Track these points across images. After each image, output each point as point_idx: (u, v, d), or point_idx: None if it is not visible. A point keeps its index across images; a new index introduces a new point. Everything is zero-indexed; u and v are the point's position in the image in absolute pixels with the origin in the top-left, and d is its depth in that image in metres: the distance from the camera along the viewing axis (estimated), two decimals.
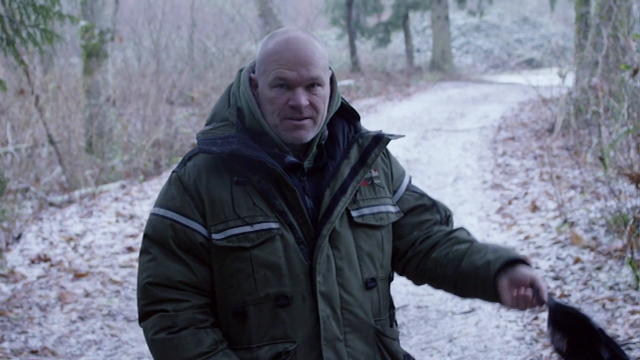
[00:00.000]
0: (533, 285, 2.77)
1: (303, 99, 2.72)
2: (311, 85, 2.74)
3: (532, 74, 23.60)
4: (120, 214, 11.38)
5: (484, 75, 35.92)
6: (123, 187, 13.48)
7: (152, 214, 2.79)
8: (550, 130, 16.20)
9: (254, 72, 2.84)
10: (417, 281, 3.05)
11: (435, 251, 2.95)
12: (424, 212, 3.01)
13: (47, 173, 13.76)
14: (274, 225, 2.73)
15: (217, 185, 2.75)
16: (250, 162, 2.73)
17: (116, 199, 12.40)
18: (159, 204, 2.80)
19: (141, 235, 10.18)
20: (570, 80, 15.87)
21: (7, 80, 14.86)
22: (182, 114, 19.55)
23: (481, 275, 2.81)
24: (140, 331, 7.03)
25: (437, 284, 2.99)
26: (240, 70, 2.89)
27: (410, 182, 3.05)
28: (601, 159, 10.54)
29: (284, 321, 2.74)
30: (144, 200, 12.45)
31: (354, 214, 2.82)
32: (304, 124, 2.74)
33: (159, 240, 2.75)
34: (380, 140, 2.89)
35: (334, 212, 2.77)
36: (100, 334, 7.27)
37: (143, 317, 2.76)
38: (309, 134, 2.77)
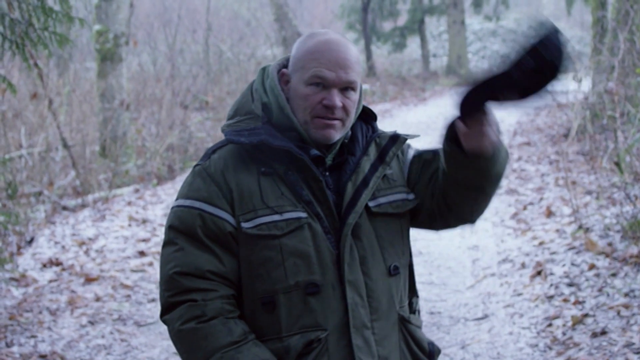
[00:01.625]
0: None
1: (337, 100, 2.77)
2: (345, 88, 2.79)
3: None
4: (133, 218, 11.35)
5: None
6: (136, 191, 13.45)
7: (177, 206, 2.79)
8: (566, 135, 16.10)
9: (284, 67, 2.88)
10: (456, 218, 2.99)
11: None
12: (429, 165, 2.97)
13: (61, 177, 13.74)
14: (302, 214, 2.76)
15: (245, 176, 2.78)
16: (277, 152, 2.75)
17: (129, 203, 12.37)
18: (184, 195, 2.80)
19: (154, 239, 10.21)
20: (586, 84, 15.78)
21: (21, 83, 14.90)
22: (197, 118, 19.52)
23: (445, 149, 2.79)
24: (151, 336, 7.03)
25: (458, 199, 2.90)
26: (263, 68, 2.93)
27: (415, 152, 3.05)
28: (617, 164, 10.45)
29: (314, 309, 2.75)
30: (157, 204, 12.42)
31: (370, 204, 2.86)
32: (334, 124, 2.79)
33: (186, 230, 2.76)
34: (397, 139, 2.94)
35: (358, 202, 2.81)
36: (110, 338, 7.22)
37: (168, 309, 2.75)
38: (337, 135, 2.82)
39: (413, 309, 3.03)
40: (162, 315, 2.78)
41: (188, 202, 2.77)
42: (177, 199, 2.82)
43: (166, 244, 2.79)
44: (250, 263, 2.76)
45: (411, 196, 2.96)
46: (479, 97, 2.60)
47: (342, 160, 2.88)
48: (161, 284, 2.78)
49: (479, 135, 2.66)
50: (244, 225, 2.74)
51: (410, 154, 3.02)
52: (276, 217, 2.74)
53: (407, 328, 2.93)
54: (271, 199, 2.75)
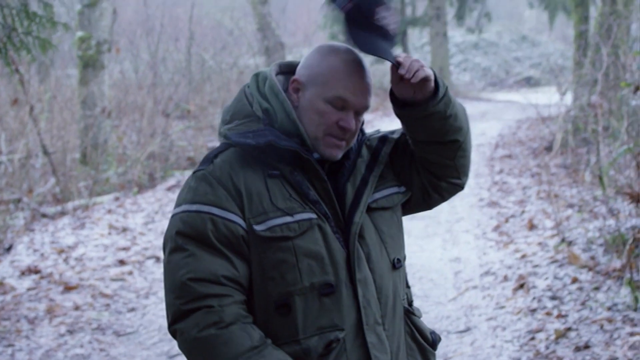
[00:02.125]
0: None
1: (353, 123, 2.80)
2: (359, 112, 2.83)
3: (530, 92, 23.56)
4: (113, 227, 11.26)
5: (482, 93, 35.86)
6: (117, 199, 13.36)
7: (183, 212, 2.72)
8: (548, 149, 16.13)
9: (286, 73, 2.90)
10: (446, 182, 3.05)
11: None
12: (404, 146, 3.02)
13: (41, 184, 13.64)
14: (312, 215, 2.76)
15: (252, 179, 2.75)
16: (283, 153, 2.74)
17: (109, 211, 12.28)
18: (189, 200, 2.73)
19: (134, 248, 10.14)
20: (568, 98, 15.81)
21: (2, 89, 14.80)
22: (178, 126, 19.43)
23: (398, 116, 2.91)
24: (130, 346, 6.95)
25: (436, 158, 2.97)
26: (257, 74, 2.91)
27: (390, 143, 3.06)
28: (599, 177, 10.46)
29: (330, 310, 2.75)
30: (138, 213, 12.34)
31: (368, 201, 2.91)
32: (342, 144, 2.82)
33: (196, 235, 2.69)
34: (386, 140, 2.99)
35: (361, 201, 2.85)
36: (89, 348, 7.14)
37: (180, 317, 2.66)
38: (341, 154, 2.85)
39: (409, 300, 3.07)
40: (172, 324, 2.70)
41: (195, 207, 2.70)
42: (179, 205, 2.76)
43: (174, 250, 2.71)
44: (263, 266, 2.73)
45: (402, 189, 3.02)
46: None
47: (338, 164, 2.89)
48: (171, 291, 2.69)
49: (404, 80, 2.74)
50: (257, 228, 2.70)
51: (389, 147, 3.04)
52: (288, 219, 2.72)
53: (411, 320, 2.99)
54: (280, 201, 2.74)
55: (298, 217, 2.73)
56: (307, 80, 2.82)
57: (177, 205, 2.76)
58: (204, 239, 2.68)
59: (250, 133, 2.74)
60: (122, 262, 9.65)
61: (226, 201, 2.71)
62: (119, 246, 10.37)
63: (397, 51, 2.85)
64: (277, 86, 2.83)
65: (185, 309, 2.65)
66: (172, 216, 2.76)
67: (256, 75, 2.90)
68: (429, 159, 2.96)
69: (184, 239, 2.69)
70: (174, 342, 7.06)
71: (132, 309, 8.20)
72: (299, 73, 2.85)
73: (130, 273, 9.29)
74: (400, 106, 2.84)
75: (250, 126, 2.78)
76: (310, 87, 2.80)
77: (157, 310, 8.17)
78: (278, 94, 2.82)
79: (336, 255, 2.77)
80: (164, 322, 7.77)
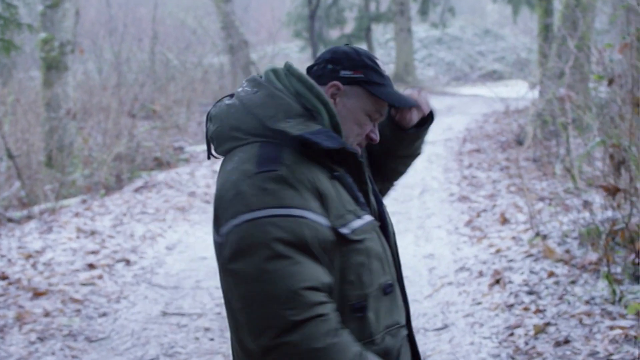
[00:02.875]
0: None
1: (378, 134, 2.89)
2: None
3: (495, 86, 23.59)
4: (81, 230, 11.09)
5: (447, 87, 35.89)
6: (84, 202, 13.19)
7: (272, 216, 2.47)
8: (517, 142, 16.12)
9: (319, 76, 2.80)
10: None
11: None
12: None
13: (6, 188, 13.45)
14: (370, 216, 2.74)
15: (323, 180, 2.61)
16: (343, 156, 2.66)
17: (77, 214, 12.10)
18: (275, 204, 2.49)
19: (103, 251, 9.99)
20: (534, 91, 15.81)
21: None
22: (144, 127, 19.27)
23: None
24: (103, 352, 6.83)
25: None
26: (275, 70, 2.77)
27: None
28: (570, 170, 10.44)
29: (392, 308, 2.76)
30: (106, 215, 12.17)
31: None
32: (359, 151, 2.87)
33: (296, 241, 2.48)
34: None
35: (382, 201, 2.95)
36: (61, 355, 6.99)
37: (291, 329, 2.43)
38: None
39: None
40: (277, 337, 2.43)
41: (284, 211, 2.48)
42: (263, 209, 2.48)
43: (274, 257, 2.44)
44: (343, 270, 2.60)
45: (379, 186, 3.16)
46: None
47: None
48: (276, 302, 2.44)
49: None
50: (343, 231, 2.59)
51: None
52: (360, 222, 2.65)
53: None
54: (347, 203, 2.65)
55: (366, 219, 2.67)
56: (349, 90, 2.77)
57: (252, 209, 2.49)
58: (303, 245, 2.49)
59: (321, 134, 2.59)
60: (91, 266, 9.50)
61: (314, 204, 2.54)
62: (88, 250, 10.20)
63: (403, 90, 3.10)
64: (316, 87, 2.71)
65: (297, 319, 2.43)
66: (252, 220, 2.48)
67: (275, 72, 2.74)
68: (395, 168, 3.20)
69: (285, 245, 2.46)
70: (148, 347, 6.98)
71: (104, 314, 8.06)
72: (344, 81, 2.78)
73: (100, 277, 9.15)
74: (399, 129, 3.09)
75: (309, 125, 2.62)
76: (353, 97, 2.77)
77: (129, 315, 8.04)
78: (322, 95, 2.70)
79: (388, 255, 2.78)
80: (136, 327, 7.65)
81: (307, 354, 2.43)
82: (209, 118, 2.75)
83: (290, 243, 2.47)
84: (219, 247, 2.59)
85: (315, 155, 2.60)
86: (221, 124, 2.69)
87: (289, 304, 2.43)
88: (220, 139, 2.71)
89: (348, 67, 2.78)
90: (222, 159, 2.76)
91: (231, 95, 2.77)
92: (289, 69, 2.75)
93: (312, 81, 2.72)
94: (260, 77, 2.76)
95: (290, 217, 2.48)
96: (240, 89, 2.75)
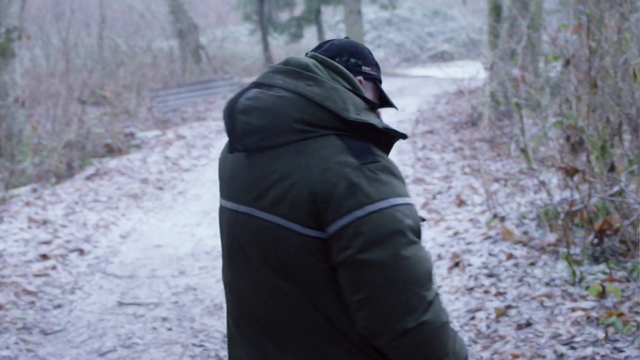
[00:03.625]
0: None
1: None
2: None
3: (445, 67, 23.62)
4: (32, 220, 10.91)
5: (397, 69, 35.93)
6: (34, 190, 12.98)
7: (399, 205, 2.46)
8: (471, 123, 16.15)
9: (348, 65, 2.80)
10: None
11: None
12: None
13: None
14: None
15: None
16: (391, 146, 2.71)
17: (28, 204, 11.91)
18: (395, 193, 2.48)
19: (56, 241, 9.83)
20: (487, 72, 15.82)
21: None
22: (94, 113, 19.04)
23: None
24: (59, 345, 6.70)
25: None
26: (312, 63, 2.66)
27: None
28: (524, 151, 10.45)
29: None
30: (57, 204, 11.99)
31: None
32: None
33: (417, 228, 2.52)
34: None
35: None
36: (16, 349, 6.85)
37: (427, 309, 2.46)
38: None
39: None
40: (420, 317, 2.44)
41: (404, 200, 2.49)
42: (385, 199, 2.45)
43: (410, 244, 2.45)
44: None
45: None
46: None
47: None
48: (417, 285, 2.45)
49: None
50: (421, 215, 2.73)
51: None
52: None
53: None
54: None
55: None
56: (366, 84, 2.81)
57: (375, 200, 2.44)
58: (419, 231, 2.53)
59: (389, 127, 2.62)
60: (44, 257, 9.33)
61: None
62: (40, 240, 10.04)
63: None
64: (357, 82, 2.72)
65: (430, 299, 2.48)
66: (379, 211, 2.44)
67: (314, 65, 2.65)
68: None
69: (413, 232, 2.48)
70: (105, 339, 6.87)
71: (59, 306, 7.92)
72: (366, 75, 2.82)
73: (54, 268, 8.99)
74: None
75: (374, 117, 2.62)
76: (368, 92, 2.81)
77: (84, 306, 7.90)
78: (360, 90, 2.69)
79: None
80: (92, 318, 7.53)
81: (441, 327, 2.48)
82: (243, 111, 2.58)
83: (414, 229, 2.49)
84: (346, 231, 2.46)
85: (384, 146, 2.64)
86: (276, 116, 2.54)
87: (425, 285, 2.47)
88: (274, 131, 2.54)
89: (367, 63, 2.79)
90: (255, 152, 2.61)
91: (256, 85, 2.63)
92: (324, 62, 2.68)
93: (351, 75, 2.69)
94: (287, 66, 2.65)
95: (409, 205, 2.50)
96: (276, 80, 2.61)
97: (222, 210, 2.72)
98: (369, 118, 2.57)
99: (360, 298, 2.46)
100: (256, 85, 2.63)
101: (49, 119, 16.23)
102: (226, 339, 6.76)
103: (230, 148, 2.65)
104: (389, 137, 2.63)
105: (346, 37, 2.86)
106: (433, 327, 2.46)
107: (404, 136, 2.65)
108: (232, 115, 2.59)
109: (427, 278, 2.48)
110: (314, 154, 2.49)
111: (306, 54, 2.77)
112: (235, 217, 2.62)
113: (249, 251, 2.58)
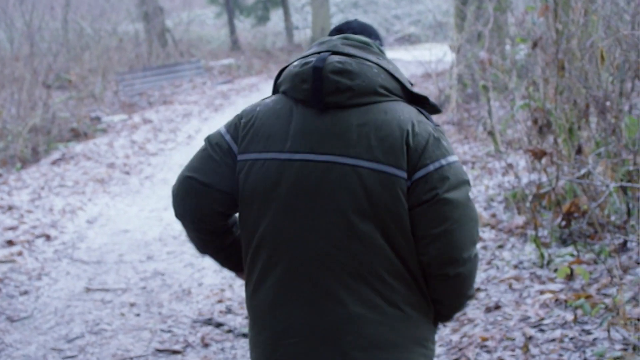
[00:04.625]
0: None
1: None
2: None
3: (411, 49, 23.61)
4: None
5: None
6: (0, 176, 12.88)
7: (458, 160, 2.92)
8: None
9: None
10: None
11: None
12: None
13: None
14: None
15: None
16: None
17: None
18: (452, 151, 2.93)
19: (22, 227, 9.77)
20: (454, 54, 15.82)
21: None
22: (59, 97, 18.88)
23: None
24: (25, 332, 6.66)
25: None
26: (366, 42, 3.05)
27: None
28: (491, 133, 10.47)
29: None
30: (23, 189, 11.89)
31: None
32: None
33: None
34: None
35: None
36: None
37: (476, 244, 2.97)
38: None
39: None
40: (475, 250, 2.93)
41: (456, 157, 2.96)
42: (454, 155, 2.90)
43: (469, 191, 2.92)
44: None
45: None
46: None
47: None
48: (477, 223, 2.93)
49: None
50: None
51: None
52: None
53: None
54: None
55: None
56: None
57: (451, 154, 2.88)
58: None
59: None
60: (10, 243, 9.26)
61: None
62: (6, 226, 9.95)
63: None
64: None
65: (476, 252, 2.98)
66: (454, 163, 2.86)
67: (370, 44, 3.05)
68: None
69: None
70: (72, 325, 6.83)
71: (25, 292, 7.85)
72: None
73: (20, 254, 8.92)
74: None
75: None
76: None
77: (51, 292, 7.85)
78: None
79: None
80: (59, 304, 7.48)
81: (477, 258, 2.98)
82: (337, 71, 2.86)
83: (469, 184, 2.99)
84: (431, 176, 2.82)
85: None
86: (366, 79, 2.87)
87: (478, 224, 2.97)
88: (362, 92, 2.86)
89: (382, 43, 3.16)
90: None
91: (333, 53, 2.93)
92: (371, 43, 3.03)
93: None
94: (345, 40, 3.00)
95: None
96: (350, 50, 2.94)
97: (287, 162, 2.87)
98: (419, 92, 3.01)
99: (440, 231, 2.81)
100: (332, 52, 2.93)
101: (13, 104, 16.06)
102: (205, 329, 6.73)
103: (316, 103, 2.88)
104: (430, 109, 3.00)
105: (355, 19, 3.21)
106: (478, 260, 2.97)
107: (439, 111, 3.05)
108: (321, 75, 2.86)
109: (478, 219, 3.00)
110: (400, 112, 2.86)
111: (332, 32, 3.17)
112: (323, 167, 2.83)
113: (340, 196, 2.81)
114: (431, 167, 2.80)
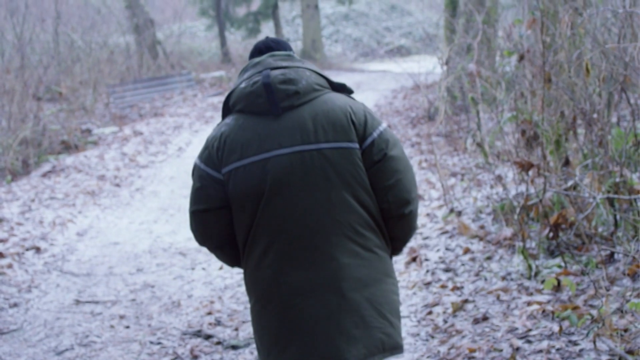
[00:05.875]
0: None
1: None
2: None
3: (404, 62, 23.66)
4: None
5: (354, 64, 35.93)
6: None
7: (387, 126, 3.81)
8: (428, 118, 16.20)
9: None
10: None
11: None
12: None
13: None
14: None
15: None
16: None
17: None
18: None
19: (12, 239, 9.76)
20: (444, 66, 15.87)
21: None
22: (50, 110, 18.88)
23: None
24: (15, 344, 6.68)
25: None
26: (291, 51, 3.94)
27: None
28: (480, 145, 10.50)
29: None
30: (13, 202, 11.89)
31: None
32: None
33: None
34: None
35: None
36: None
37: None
38: None
39: None
40: (416, 190, 3.81)
41: None
42: (382, 122, 3.76)
43: (404, 152, 3.78)
44: None
45: None
46: None
47: None
48: (415, 182, 3.81)
49: None
50: None
51: None
52: None
53: None
54: None
55: None
56: None
57: (381, 122, 3.78)
58: None
59: None
60: (0, 255, 9.26)
61: None
62: None
63: None
64: None
65: None
66: (386, 128, 3.75)
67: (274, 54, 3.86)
68: None
69: None
70: (62, 337, 6.84)
71: (15, 305, 7.86)
72: None
73: (10, 266, 8.93)
74: None
75: None
76: None
77: (41, 304, 7.86)
78: None
79: None
80: (49, 317, 7.49)
81: (418, 197, 4.00)
82: (282, 82, 3.63)
83: None
84: (377, 141, 3.67)
85: None
86: (307, 81, 3.69)
87: (413, 170, 3.82)
88: (306, 92, 3.67)
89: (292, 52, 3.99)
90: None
91: (271, 69, 3.69)
92: (293, 54, 3.85)
93: None
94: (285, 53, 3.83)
95: None
96: (281, 63, 3.72)
97: (263, 160, 3.59)
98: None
99: (393, 181, 3.67)
100: (271, 69, 3.68)
101: (4, 116, 16.06)
102: (193, 332, 6.75)
103: (274, 110, 3.63)
104: (349, 92, 3.85)
105: (267, 37, 3.92)
106: (417, 212, 3.83)
107: (352, 91, 3.87)
108: (272, 88, 3.63)
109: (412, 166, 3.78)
110: (336, 100, 3.71)
111: (254, 52, 3.89)
112: (294, 156, 3.58)
113: (313, 175, 3.58)
114: (375, 134, 3.67)
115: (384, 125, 3.72)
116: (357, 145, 3.62)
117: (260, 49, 3.86)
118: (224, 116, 3.82)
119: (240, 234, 3.70)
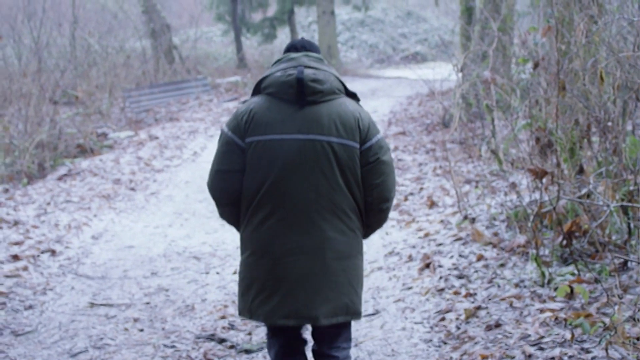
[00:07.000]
0: None
1: None
2: None
3: (419, 68, 23.70)
4: (3, 220, 10.86)
5: (370, 70, 35.99)
6: (6, 191, 12.93)
7: (383, 136, 4.93)
8: (443, 124, 16.21)
9: None
10: None
11: None
12: None
13: None
14: None
15: None
16: None
17: None
18: None
19: (27, 242, 9.80)
20: (459, 73, 15.88)
21: None
22: (66, 113, 18.95)
23: None
24: (30, 346, 6.72)
25: None
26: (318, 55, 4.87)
27: None
28: (495, 152, 10.51)
29: None
30: (29, 204, 11.95)
31: None
32: None
33: None
34: None
35: None
36: None
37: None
38: None
39: None
40: (395, 190, 4.77)
41: None
42: (379, 132, 4.63)
43: (392, 159, 4.71)
44: None
45: None
46: None
47: None
48: (395, 184, 4.74)
49: None
50: None
51: None
52: None
53: None
54: None
55: None
56: None
57: (379, 131, 4.62)
58: None
59: None
60: (15, 258, 9.30)
61: None
62: (11, 241, 10.00)
63: None
64: None
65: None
66: (382, 137, 4.63)
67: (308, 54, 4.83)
68: None
69: None
70: (76, 340, 6.88)
71: (30, 307, 7.90)
72: None
73: (25, 269, 8.97)
74: None
75: None
76: None
77: (55, 307, 7.90)
78: None
79: None
80: (63, 319, 7.53)
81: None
82: (313, 80, 4.46)
83: None
84: (374, 146, 4.53)
85: None
86: (331, 84, 4.52)
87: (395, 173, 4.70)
88: (328, 92, 4.50)
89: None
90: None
91: (305, 66, 4.52)
92: (323, 58, 4.66)
93: None
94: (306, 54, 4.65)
95: None
96: (313, 64, 4.55)
97: (281, 140, 4.42)
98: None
99: (380, 181, 4.54)
100: (305, 67, 4.48)
101: (20, 119, 16.13)
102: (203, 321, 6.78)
103: (300, 102, 4.45)
104: (358, 100, 4.71)
105: (302, 38, 4.75)
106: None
107: (359, 99, 4.71)
108: (303, 83, 4.43)
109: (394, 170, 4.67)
110: (349, 104, 4.56)
111: (289, 47, 4.74)
112: (307, 143, 4.41)
113: (320, 161, 4.42)
114: (374, 140, 4.52)
115: (381, 134, 4.59)
116: (358, 145, 4.48)
117: (296, 47, 4.69)
118: (253, 94, 4.62)
119: (246, 197, 4.52)
